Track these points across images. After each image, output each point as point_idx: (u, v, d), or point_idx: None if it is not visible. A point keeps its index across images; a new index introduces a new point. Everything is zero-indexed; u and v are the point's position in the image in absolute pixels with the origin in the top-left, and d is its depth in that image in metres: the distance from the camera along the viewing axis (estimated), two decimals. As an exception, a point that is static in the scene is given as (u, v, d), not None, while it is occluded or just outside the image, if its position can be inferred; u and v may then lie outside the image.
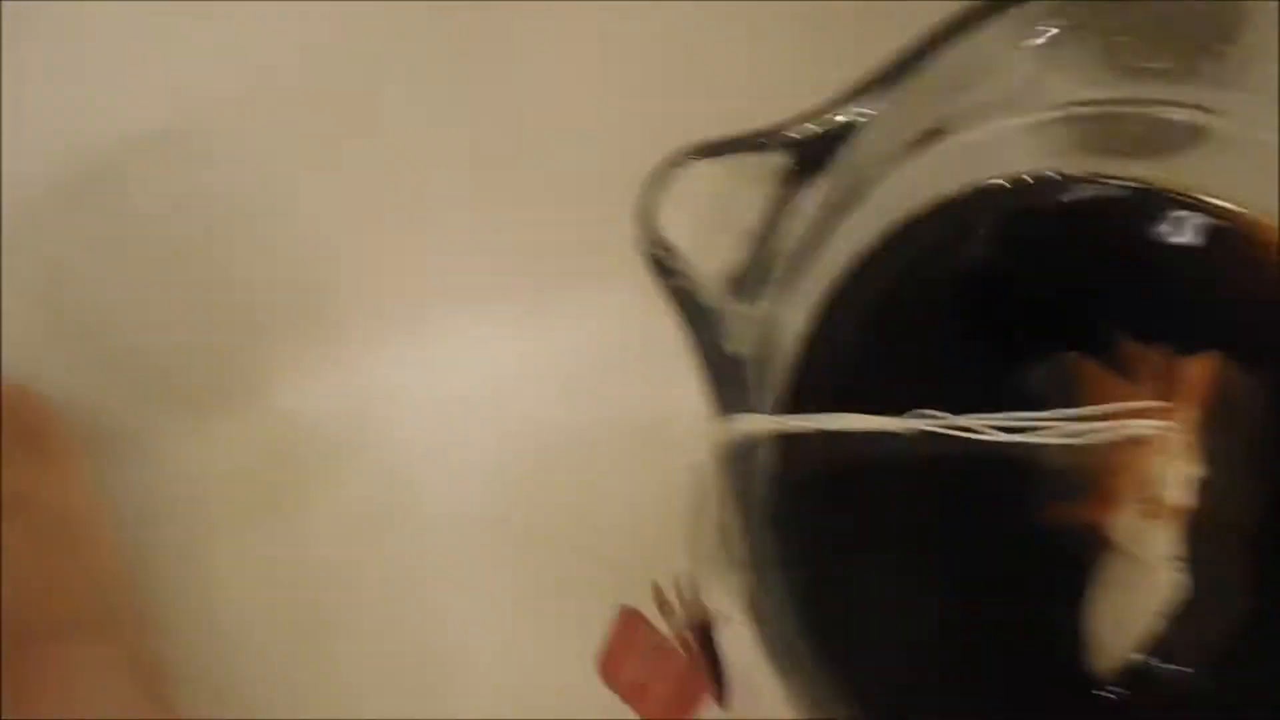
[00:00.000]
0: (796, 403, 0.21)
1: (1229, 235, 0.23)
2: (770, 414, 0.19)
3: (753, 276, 0.19)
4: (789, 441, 0.20)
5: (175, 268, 0.35)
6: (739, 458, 0.18)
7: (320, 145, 0.35)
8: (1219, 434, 0.21)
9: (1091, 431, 0.19)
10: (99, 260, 0.36)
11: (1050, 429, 0.19)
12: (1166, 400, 0.20)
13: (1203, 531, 0.20)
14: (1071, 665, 0.20)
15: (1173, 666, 0.20)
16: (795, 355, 0.21)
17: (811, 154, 0.20)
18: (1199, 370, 0.21)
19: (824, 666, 0.19)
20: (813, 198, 0.20)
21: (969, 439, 0.19)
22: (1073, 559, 0.20)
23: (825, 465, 0.21)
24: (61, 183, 0.36)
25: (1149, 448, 0.20)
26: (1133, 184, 0.23)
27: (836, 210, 0.21)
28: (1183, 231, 0.23)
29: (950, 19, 0.20)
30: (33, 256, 0.36)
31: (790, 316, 0.21)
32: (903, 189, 0.22)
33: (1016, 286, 0.23)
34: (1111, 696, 0.20)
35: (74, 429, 0.37)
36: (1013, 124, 0.22)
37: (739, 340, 0.18)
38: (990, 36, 0.20)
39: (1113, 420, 0.19)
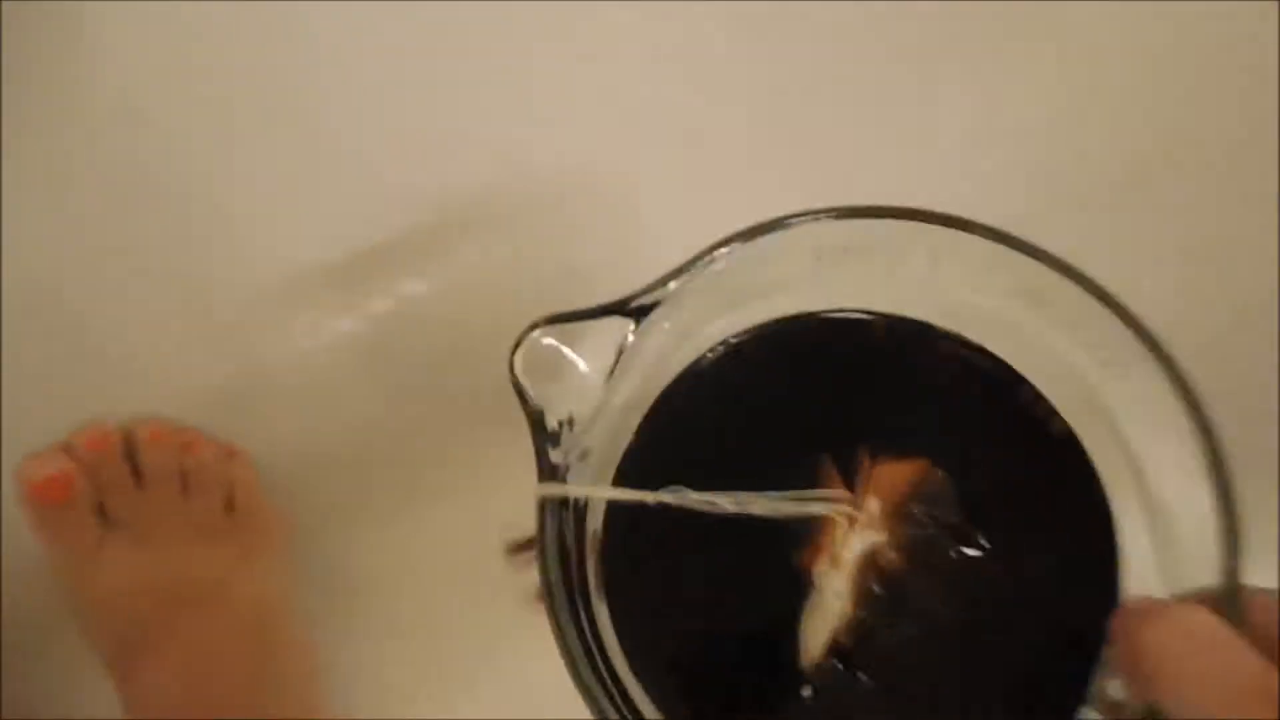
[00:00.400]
0: (623, 479, 0.32)
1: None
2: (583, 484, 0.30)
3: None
4: (612, 505, 0.31)
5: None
6: (562, 514, 0.30)
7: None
8: (906, 517, 0.31)
9: (794, 508, 0.30)
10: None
11: (766, 504, 0.30)
12: (863, 491, 0.30)
13: (879, 580, 0.30)
14: (790, 663, 0.31)
15: (852, 668, 0.30)
16: (626, 448, 0.32)
17: (640, 314, 0.31)
18: (889, 473, 0.31)
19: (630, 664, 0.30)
20: (640, 346, 0.31)
21: (713, 509, 0.30)
22: (796, 591, 0.31)
23: (641, 524, 0.31)
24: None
25: (836, 523, 0.30)
26: (875, 313, 0.33)
27: (660, 346, 0.32)
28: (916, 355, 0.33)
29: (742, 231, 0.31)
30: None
31: (626, 420, 0.32)
32: (706, 334, 0.32)
33: (795, 402, 0.33)
34: (811, 687, 0.31)
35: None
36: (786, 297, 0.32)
37: (568, 445, 0.29)
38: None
39: (811, 502, 0.30)
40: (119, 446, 0.47)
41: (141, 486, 0.47)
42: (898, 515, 0.31)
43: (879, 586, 0.30)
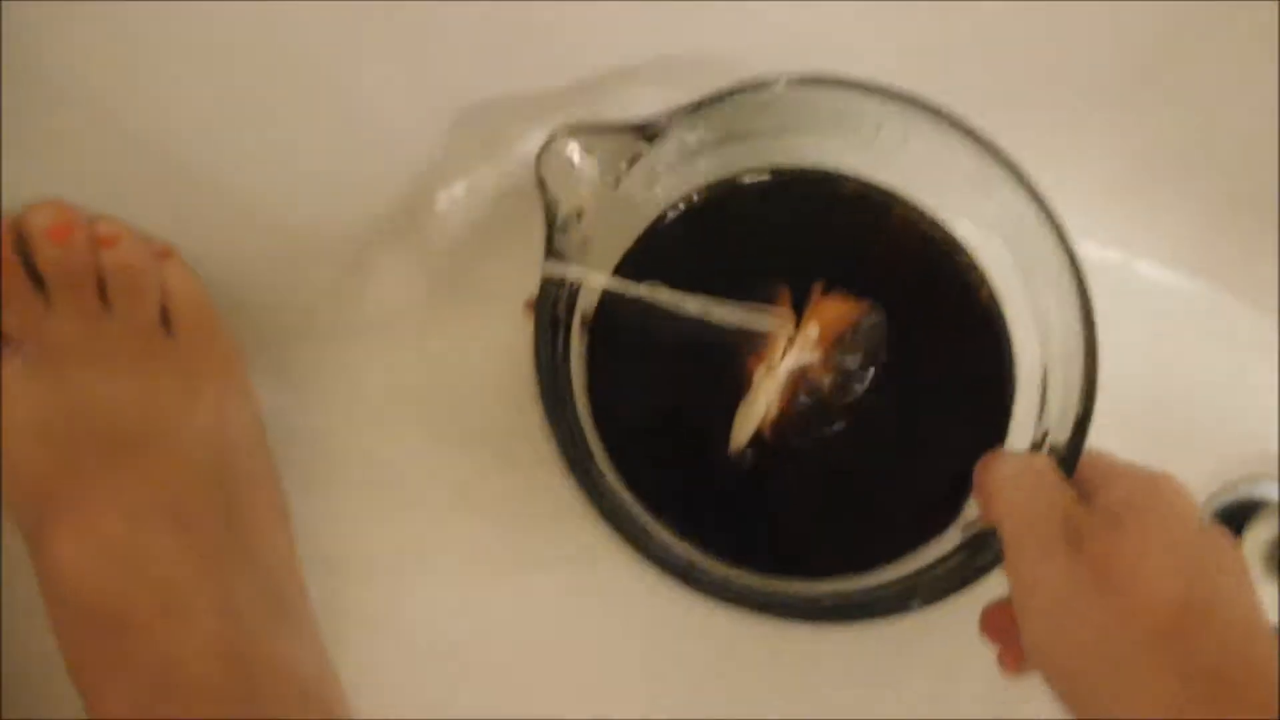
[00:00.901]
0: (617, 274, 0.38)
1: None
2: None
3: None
4: (603, 294, 0.37)
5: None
6: (559, 291, 0.36)
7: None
8: (841, 346, 0.37)
9: (745, 318, 0.36)
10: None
11: (723, 311, 0.36)
12: (807, 317, 0.37)
13: (806, 392, 0.37)
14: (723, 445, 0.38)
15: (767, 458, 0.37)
16: (625, 250, 0.38)
17: (651, 135, 0.36)
18: (833, 307, 0.37)
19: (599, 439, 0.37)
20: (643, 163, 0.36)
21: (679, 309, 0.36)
22: (738, 391, 0.37)
23: (624, 315, 0.38)
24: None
25: (778, 339, 0.36)
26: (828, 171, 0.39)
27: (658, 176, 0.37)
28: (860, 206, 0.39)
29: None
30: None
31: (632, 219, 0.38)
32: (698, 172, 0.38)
33: (770, 238, 0.39)
34: (741, 459, 0.37)
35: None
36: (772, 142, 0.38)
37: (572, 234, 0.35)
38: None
39: (760, 316, 0.36)
40: (9, 242, 0.36)
41: (46, 296, 0.37)
42: (834, 343, 0.37)
43: (805, 397, 0.37)
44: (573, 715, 0.42)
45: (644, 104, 0.36)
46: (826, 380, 0.37)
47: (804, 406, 0.37)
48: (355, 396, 0.44)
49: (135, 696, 0.35)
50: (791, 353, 0.37)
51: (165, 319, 0.38)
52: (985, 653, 0.33)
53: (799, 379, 0.37)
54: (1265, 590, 0.44)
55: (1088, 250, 0.35)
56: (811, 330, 0.37)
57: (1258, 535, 0.44)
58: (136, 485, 0.36)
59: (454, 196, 0.43)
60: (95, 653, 0.35)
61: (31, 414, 0.36)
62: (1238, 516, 0.44)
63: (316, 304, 0.44)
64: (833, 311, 0.37)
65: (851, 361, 0.37)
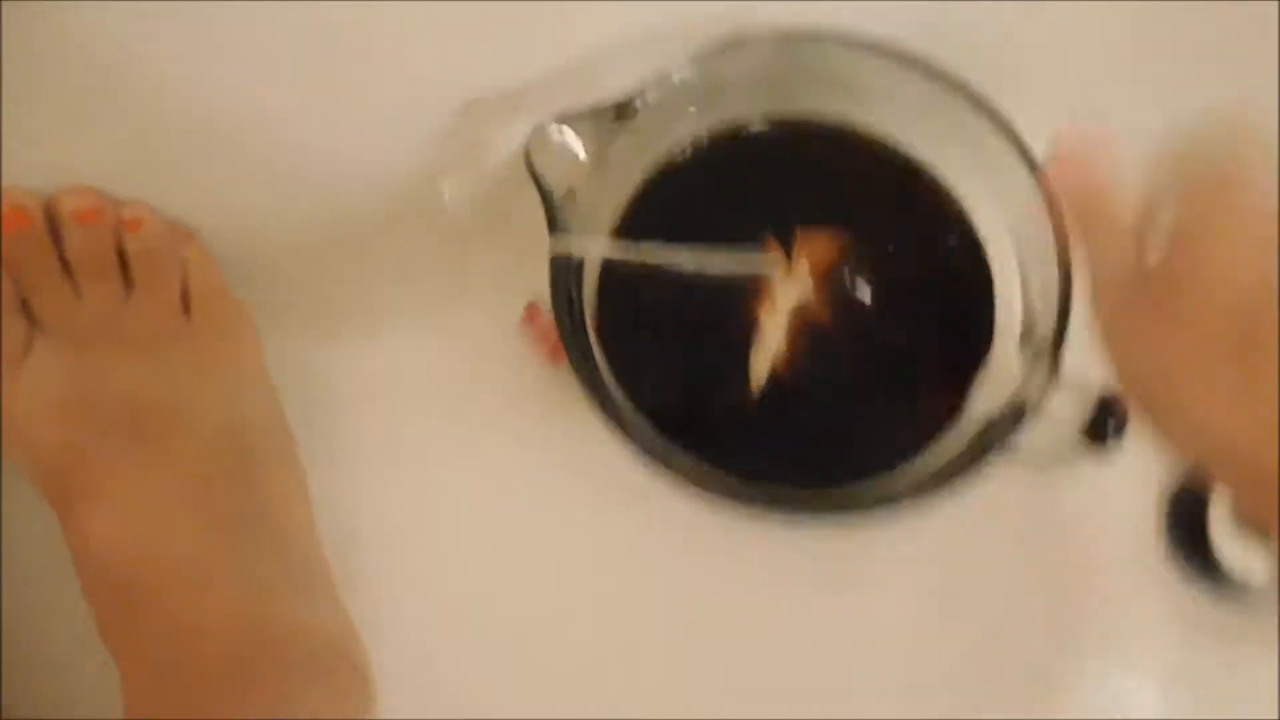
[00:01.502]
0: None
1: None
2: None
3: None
4: (606, 263, 0.40)
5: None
6: (567, 267, 0.38)
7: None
8: (832, 280, 0.40)
9: (739, 265, 0.39)
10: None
11: (717, 260, 0.39)
12: (796, 257, 0.40)
13: (807, 326, 0.40)
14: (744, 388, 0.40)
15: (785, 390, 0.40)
16: (618, 218, 0.41)
17: (630, 110, 0.39)
18: (818, 244, 0.40)
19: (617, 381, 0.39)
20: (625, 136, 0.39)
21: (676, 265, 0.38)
22: (748, 334, 0.40)
23: (629, 281, 0.40)
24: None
25: (772, 280, 0.39)
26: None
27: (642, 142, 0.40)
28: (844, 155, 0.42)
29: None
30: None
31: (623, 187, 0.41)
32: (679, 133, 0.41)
33: (752, 190, 0.42)
34: (760, 396, 0.40)
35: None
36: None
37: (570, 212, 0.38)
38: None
39: (752, 261, 0.39)
40: (42, 226, 0.37)
41: (72, 278, 0.38)
42: (825, 276, 0.40)
43: (810, 330, 0.40)
44: (598, 671, 0.45)
45: (625, 78, 0.39)
46: (826, 311, 0.40)
47: (810, 339, 0.40)
48: (373, 376, 0.46)
49: (161, 659, 0.36)
50: (788, 291, 0.40)
51: (184, 301, 0.40)
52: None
53: (801, 315, 0.40)
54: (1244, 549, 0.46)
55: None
56: (802, 267, 0.40)
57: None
58: (159, 462, 0.38)
59: (460, 184, 0.44)
60: (123, 617, 0.37)
61: (58, 394, 0.38)
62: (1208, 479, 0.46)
63: (333, 286, 0.46)
64: (818, 247, 0.40)
65: (844, 290, 0.40)
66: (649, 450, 0.37)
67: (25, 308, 0.38)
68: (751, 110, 0.41)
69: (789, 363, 0.40)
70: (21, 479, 0.40)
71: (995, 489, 0.43)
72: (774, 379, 0.40)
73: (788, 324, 0.40)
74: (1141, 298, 0.31)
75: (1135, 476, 0.47)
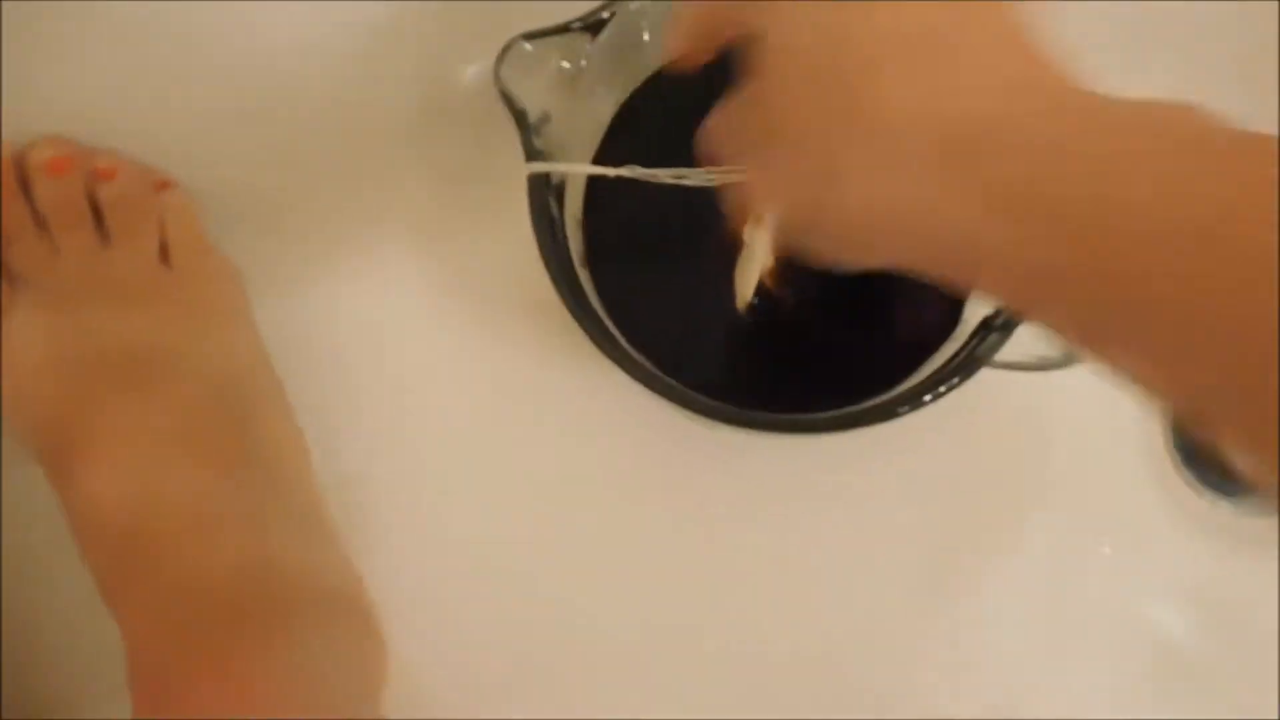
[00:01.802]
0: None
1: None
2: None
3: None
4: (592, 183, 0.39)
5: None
6: (546, 190, 0.37)
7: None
8: None
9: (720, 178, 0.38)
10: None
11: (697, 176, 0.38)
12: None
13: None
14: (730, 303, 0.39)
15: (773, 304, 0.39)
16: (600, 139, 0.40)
17: (597, 26, 0.38)
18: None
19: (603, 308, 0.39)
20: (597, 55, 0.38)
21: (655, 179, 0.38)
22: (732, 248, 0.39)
23: (612, 203, 0.39)
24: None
25: None
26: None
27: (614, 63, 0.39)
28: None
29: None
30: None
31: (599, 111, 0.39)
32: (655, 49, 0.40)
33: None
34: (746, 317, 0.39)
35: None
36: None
37: (545, 135, 0.37)
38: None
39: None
40: (12, 179, 0.37)
41: (47, 231, 0.37)
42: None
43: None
44: (589, 620, 0.45)
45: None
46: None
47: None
48: (364, 311, 0.46)
49: (168, 611, 0.36)
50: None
51: (164, 250, 0.39)
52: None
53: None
54: None
55: None
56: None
57: None
58: (150, 411, 0.37)
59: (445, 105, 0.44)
60: (126, 572, 0.36)
61: (42, 350, 0.37)
62: None
63: (316, 227, 0.45)
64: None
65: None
66: (639, 375, 0.36)
67: (1, 266, 0.38)
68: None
69: (776, 276, 0.39)
70: (20, 471, 0.40)
71: (985, 392, 0.43)
72: (765, 298, 0.39)
73: (772, 235, 0.39)
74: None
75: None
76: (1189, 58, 0.44)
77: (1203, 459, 0.47)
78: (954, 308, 0.39)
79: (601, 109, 0.40)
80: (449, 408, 0.46)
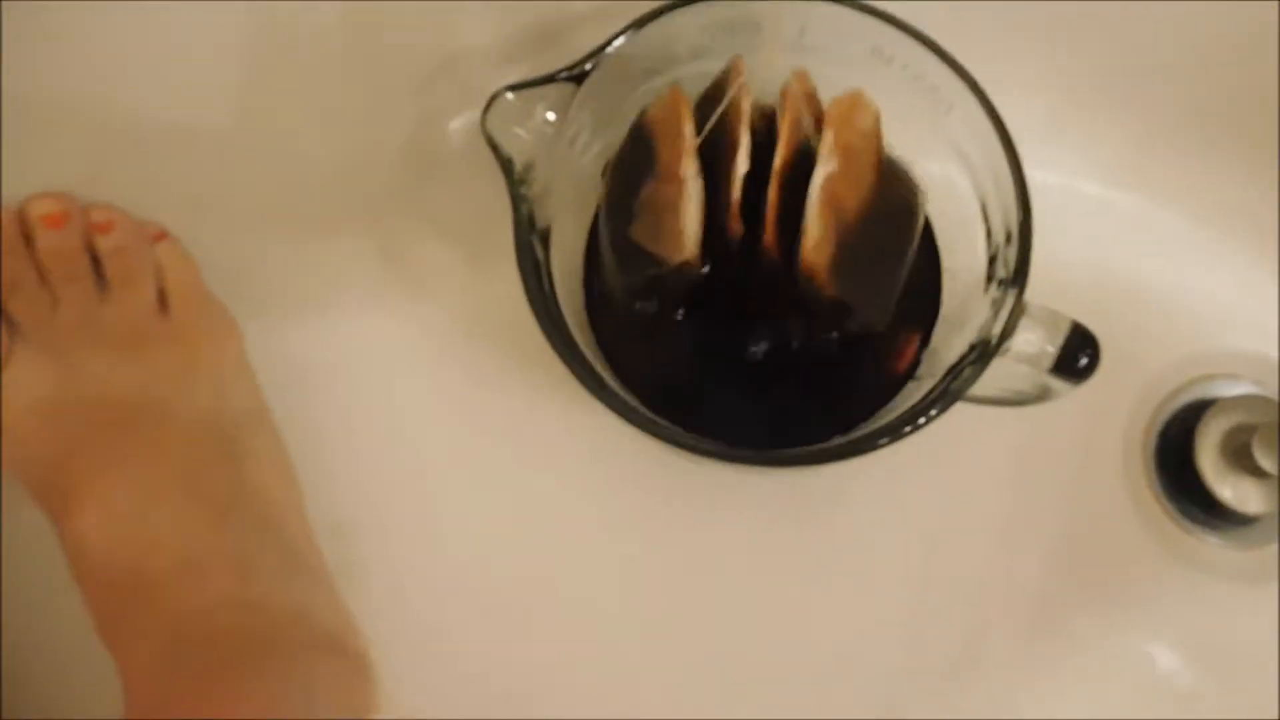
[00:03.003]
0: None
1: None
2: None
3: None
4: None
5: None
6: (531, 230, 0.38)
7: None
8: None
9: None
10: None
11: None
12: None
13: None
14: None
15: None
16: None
17: (579, 78, 0.39)
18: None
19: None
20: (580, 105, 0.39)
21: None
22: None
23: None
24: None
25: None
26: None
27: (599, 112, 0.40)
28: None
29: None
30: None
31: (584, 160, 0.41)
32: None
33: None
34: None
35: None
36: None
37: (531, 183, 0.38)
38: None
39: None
40: (14, 233, 0.38)
41: (47, 282, 0.38)
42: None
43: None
44: (586, 658, 0.46)
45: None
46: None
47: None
48: (357, 356, 0.47)
49: (161, 650, 0.36)
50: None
51: (161, 300, 0.40)
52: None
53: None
54: (1232, 482, 0.47)
55: (1032, 176, 0.37)
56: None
57: (1211, 432, 0.47)
58: (146, 457, 0.38)
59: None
60: (121, 613, 0.37)
61: (42, 398, 0.38)
62: (1191, 417, 0.48)
63: (311, 271, 0.46)
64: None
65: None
66: (626, 412, 0.37)
67: (3, 316, 0.39)
68: (704, 71, 0.41)
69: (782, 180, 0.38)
70: (25, 509, 0.41)
71: (982, 428, 0.44)
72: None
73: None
74: None
75: (1122, 410, 0.48)
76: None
77: (1185, 493, 0.48)
78: (923, 339, 0.40)
79: (586, 158, 0.41)
80: (441, 450, 0.47)
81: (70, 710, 0.42)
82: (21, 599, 0.43)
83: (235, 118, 0.40)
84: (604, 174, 0.39)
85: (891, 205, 0.38)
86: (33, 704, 0.42)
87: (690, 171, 0.37)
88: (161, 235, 0.41)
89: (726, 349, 0.42)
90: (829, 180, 0.36)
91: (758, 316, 0.42)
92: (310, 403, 0.45)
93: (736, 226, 0.38)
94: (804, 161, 0.38)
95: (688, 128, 0.37)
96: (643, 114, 0.38)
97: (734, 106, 0.37)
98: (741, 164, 0.37)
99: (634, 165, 0.37)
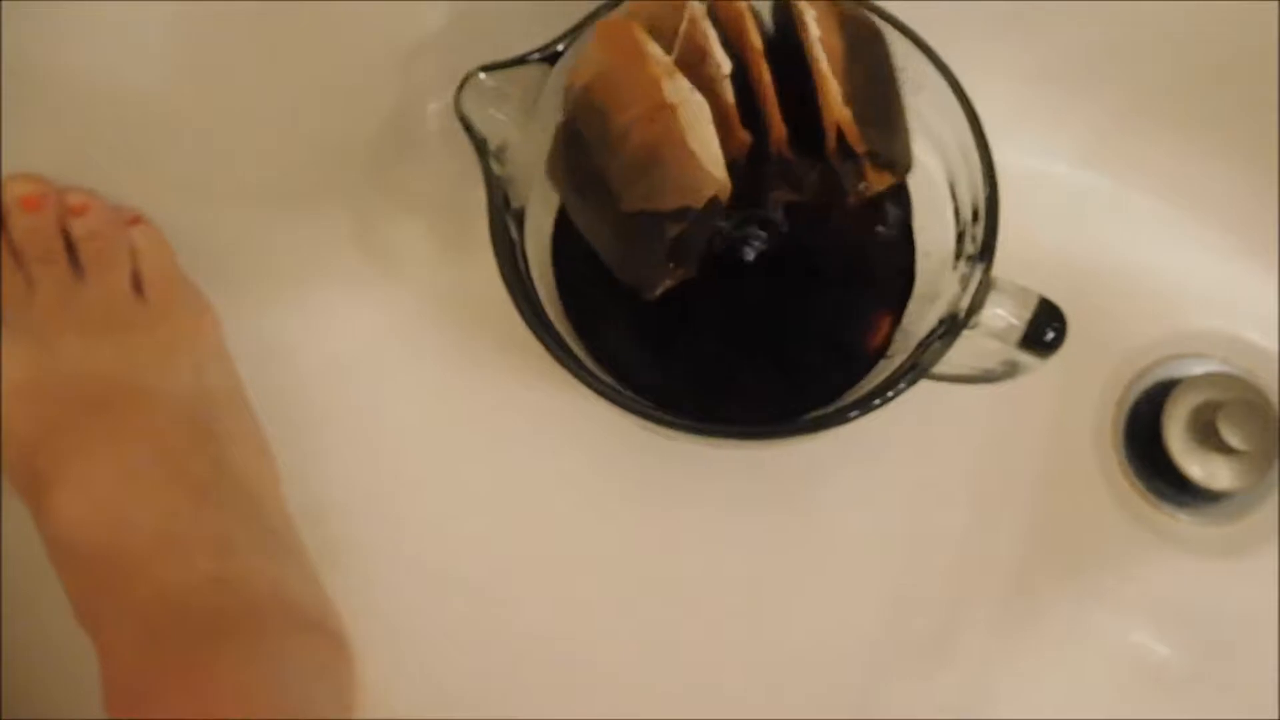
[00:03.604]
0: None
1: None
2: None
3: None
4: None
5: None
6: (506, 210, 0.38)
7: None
8: None
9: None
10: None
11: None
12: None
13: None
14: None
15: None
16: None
17: (552, 59, 0.39)
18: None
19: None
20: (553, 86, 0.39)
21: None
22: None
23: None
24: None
25: None
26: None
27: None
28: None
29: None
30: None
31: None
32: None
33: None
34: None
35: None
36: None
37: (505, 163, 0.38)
38: None
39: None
40: None
41: (21, 265, 0.38)
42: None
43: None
44: (563, 640, 0.46)
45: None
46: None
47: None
48: (334, 339, 0.47)
49: (140, 628, 0.37)
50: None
51: (137, 283, 0.40)
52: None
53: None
54: (1200, 459, 0.47)
55: (1002, 158, 0.37)
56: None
57: (1179, 410, 0.47)
58: (124, 439, 0.38)
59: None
60: (99, 593, 0.38)
61: (19, 381, 0.39)
62: (1160, 395, 0.48)
63: (285, 256, 0.46)
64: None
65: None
66: (602, 389, 0.37)
67: None
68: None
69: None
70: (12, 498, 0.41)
71: (956, 409, 0.45)
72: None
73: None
74: None
75: (1091, 389, 0.49)
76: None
77: (1155, 470, 0.49)
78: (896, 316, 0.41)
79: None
80: (417, 431, 0.47)
81: (70, 710, 0.42)
82: (21, 599, 0.43)
83: (212, 100, 0.41)
84: (550, 173, 0.37)
85: (867, 45, 0.36)
86: (33, 704, 0.42)
87: (678, 91, 0.32)
88: (137, 219, 0.41)
89: (707, 323, 0.42)
90: (822, 39, 0.34)
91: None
92: (286, 384, 0.46)
93: (743, 135, 0.35)
94: (778, 40, 0.36)
95: (651, 48, 0.33)
96: (575, 79, 0.35)
97: (689, 19, 0.34)
98: (724, 64, 0.34)
99: (590, 137, 0.34)
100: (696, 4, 0.34)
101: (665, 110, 0.32)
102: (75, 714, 0.41)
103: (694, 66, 0.34)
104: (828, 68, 0.34)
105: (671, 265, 0.35)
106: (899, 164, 0.37)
